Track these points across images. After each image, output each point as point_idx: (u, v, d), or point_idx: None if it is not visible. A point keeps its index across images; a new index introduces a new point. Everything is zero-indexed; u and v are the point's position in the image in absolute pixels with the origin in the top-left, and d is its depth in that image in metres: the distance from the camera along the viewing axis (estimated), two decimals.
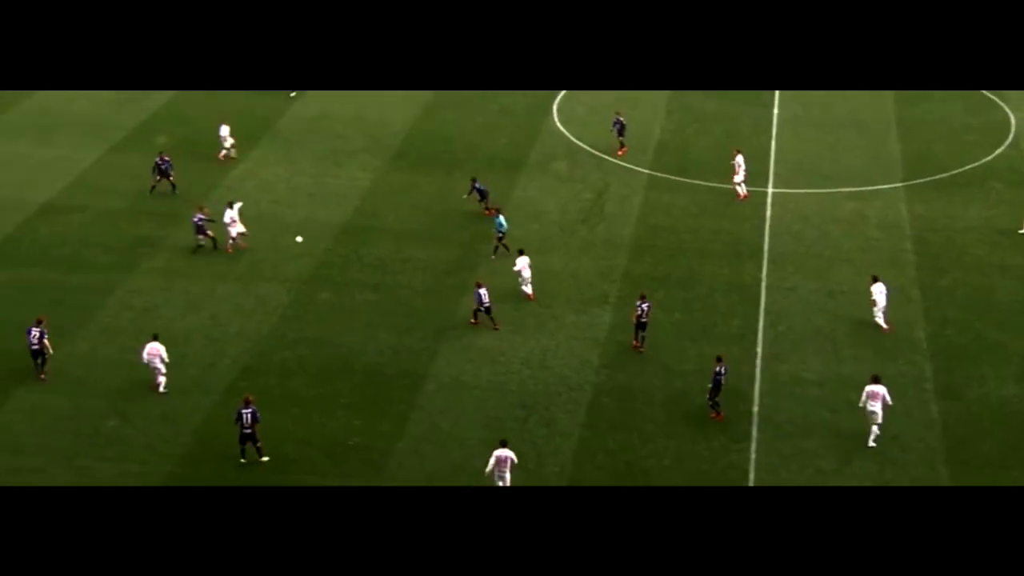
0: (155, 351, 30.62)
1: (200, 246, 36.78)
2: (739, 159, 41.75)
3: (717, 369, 29.99)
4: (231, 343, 33.01)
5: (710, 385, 30.12)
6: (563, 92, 50.91)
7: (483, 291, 33.28)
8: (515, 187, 42.58)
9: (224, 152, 43.71)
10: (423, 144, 46.08)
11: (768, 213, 41.08)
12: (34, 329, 30.85)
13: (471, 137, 46.73)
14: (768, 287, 36.41)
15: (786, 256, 38.22)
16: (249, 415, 27.82)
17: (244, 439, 27.94)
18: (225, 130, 43.72)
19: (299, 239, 36.62)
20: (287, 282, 36.07)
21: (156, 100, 48.69)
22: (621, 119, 44.93)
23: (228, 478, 27.72)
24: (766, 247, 38.79)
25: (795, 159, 45.29)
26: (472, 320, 33.95)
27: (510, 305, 35.12)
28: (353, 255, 37.90)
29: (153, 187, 40.80)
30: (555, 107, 49.36)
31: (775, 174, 43.92)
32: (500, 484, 27.00)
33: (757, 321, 34.53)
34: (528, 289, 35.27)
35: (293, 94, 49.23)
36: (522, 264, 35.18)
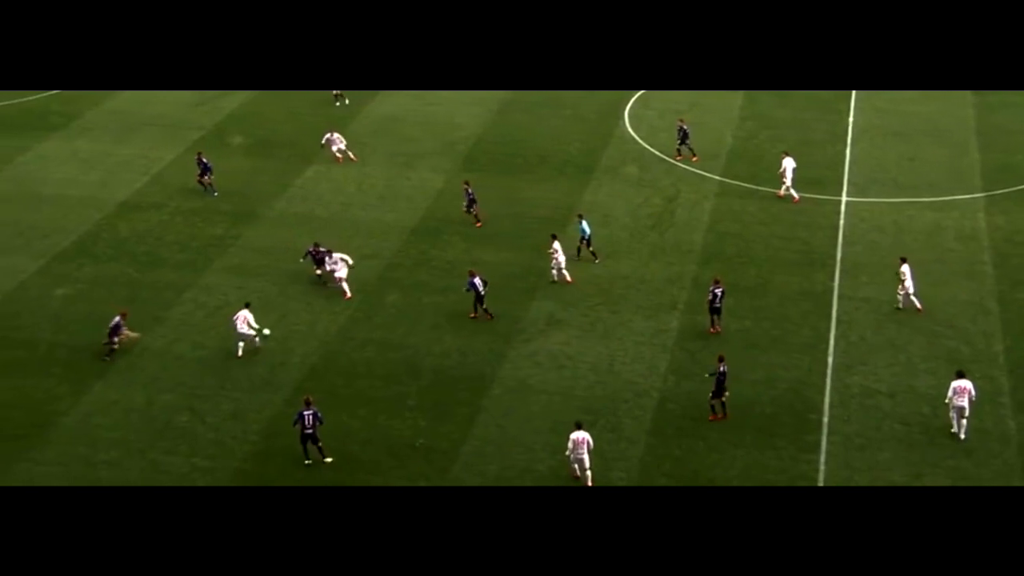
0: (243, 318, 31.99)
1: (319, 276, 35.80)
2: (786, 162, 41.52)
3: (720, 369, 29.87)
4: (300, 342, 33.37)
5: (712, 380, 29.97)
6: (634, 97, 50.70)
7: (477, 280, 33.73)
8: (585, 192, 42.48)
9: (341, 154, 43.88)
10: (494, 148, 46.20)
11: (842, 222, 40.45)
12: (118, 319, 31.91)
13: (542, 141, 46.74)
14: (840, 297, 35.84)
15: (859, 266, 37.59)
16: (311, 416, 28.00)
17: (306, 440, 28.15)
18: (337, 136, 43.93)
19: (267, 332, 32.75)
20: (356, 283, 36.36)
21: (232, 101, 49.47)
22: (684, 127, 44.60)
23: (294, 477, 28.01)
24: (839, 256, 38.20)
25: (870, 168, 44.56)
26: (472, 314, 34.15)
27: (578, 310, 35.03)
28: (422, 257, 38.10)
29: (206, 186, 41.31)
30: (626, 112, 49.17)
31: (850, 182, 43.25)
32: (577, 467, 27.54)
33: (828, 331, 34.00)
34: (566, 275, 35.90)
35: (338, 100, 48.91)
36: (557, 248, 35.68)
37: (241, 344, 32.33)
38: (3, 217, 39.63)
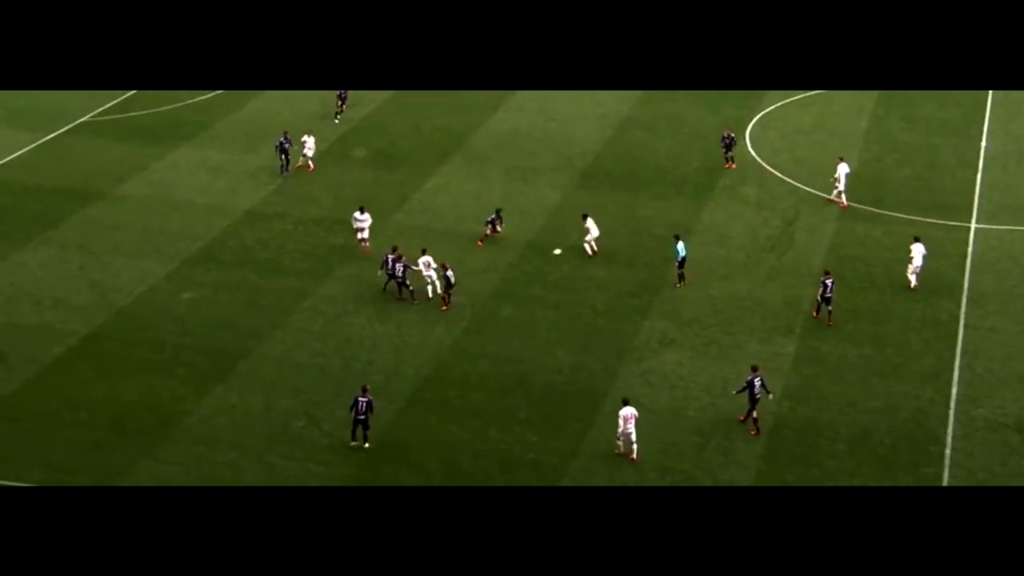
0: (426, 262, 35.69)
1: (398, 284, 36.12)
2: (840, 167, 41.38)
3: (750, 378, 29.66)
4: (415, 353, 33.85)
5: (743, 395, 29.88)
6: (757, 116, 50.12)
7: (450, 273, 35.24)
8: (703, 211, 42.13)
9: (305, 160, 44.90)
10: (612, 165, 46.18)
11: (970, 249, 39.25)
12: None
13: (660, 159, 46.54)
14: (966, 326, 34.76)
15: (988, 295, 36.41)
16: (365, 403, 29.36)
17: (357, 424, 29.54)
18: (310, 140, 45.01)
19: (557, 251, 38.53)
20: (471, 296, 36.74)
21: (356, 112, 50.51)
22: (731, 135, 44.77)
23: (405, 482, 28.41)
24: (966, 284, 37.07)
25: (1003, 194, 43.15)
26: (443, 307, 35.41)
27: (692, 331, 34.75)
28: (537, 272, 38.29)
29: (283, 168, 43.61)
30: (747, 132, 48.63)
31: (980, 209, 41.95)
32: (622, 442, 28.99)
33: (953, 361, 33.01)
34: (590, 247, 38.52)
35: (337, 121, 49.22)
36: (591, 224, 38.57)
37: (430, 289, 35.57)
38: (136, 222, 41.20)
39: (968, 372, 32.45)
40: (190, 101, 51.27)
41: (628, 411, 28.88)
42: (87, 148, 46.64)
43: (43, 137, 47.50)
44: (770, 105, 51.45)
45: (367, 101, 51.75)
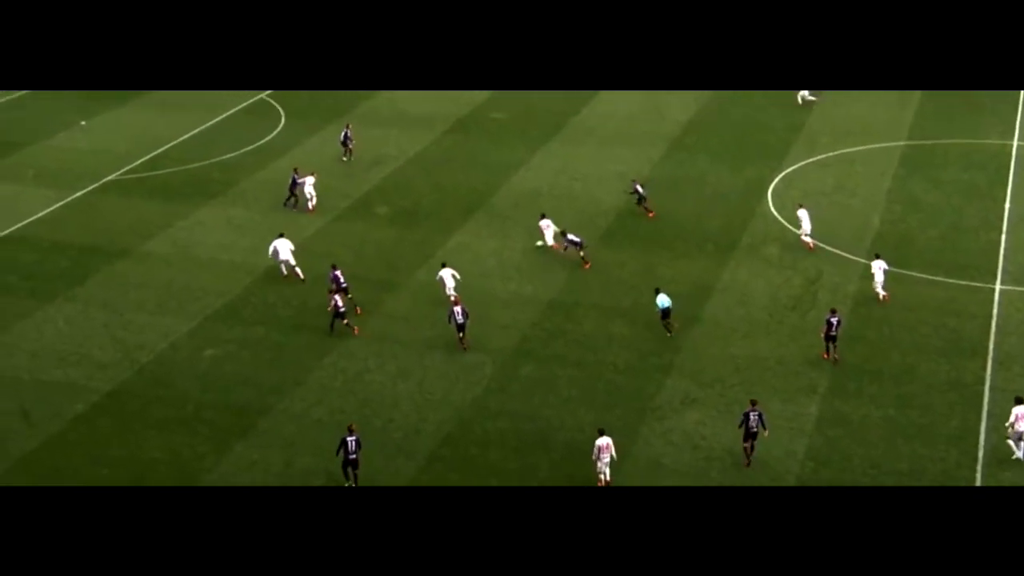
0: (450, 274, 39.17)
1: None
2: (800, 212, 43.49)
3: (747, 411, 30.74)
4: (435, 411, 33.96)
5: (741, 429, 30.89)
6: (779, 176, 50.41)
7: (458, 309, 36.57)
8: (724, 270, 42.27)
9: (311, 204, 46.76)
10: (633, 223, 46.47)
11: (995, 311, 39.15)
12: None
13: (681, 218, 46.81)
14: (992, 388, 34.59)
15: (1015, 357, 36.25)
16: (354, 442, 30.14)
17: (347, 465, 30.18)
18: (310, 182, 46.80)
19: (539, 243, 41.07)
20: (492, 353, 36.89)
21: (378, 172, 51.11)
22: (638, 186, 46.38)
23: None
24: (991, 346, 36.94)
25: None
26: (461, 347, 36.61)
27: (715, 390, 34.75)
28: (558, 330, 38.44)
29: (288, 200, 46.34)
30: (769, 191, 48.90)
31: (1004, 271, 41.90)
32: (600, 474, 29.98)
33: (979, 423, 32.81)
34: (549, 243, 42.72)
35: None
36: (545, 225, 42.89)
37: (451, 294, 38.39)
38: (160, 279, 41.71)
39: (995, 435, 32.22)
40: (216, 159, 52.04)
41: (603, 441, 30.09)
42: (114, 206, 47.37)
43: (71, 195, 48.26)
44: (791, 165, 51.77)
45: (390, 160, 52.42)
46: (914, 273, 41.81)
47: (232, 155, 52.63)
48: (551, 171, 51.37)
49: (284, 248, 41.35)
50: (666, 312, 37.38)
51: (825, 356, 35.99)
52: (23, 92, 60.20)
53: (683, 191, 49.20)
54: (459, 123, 57.53)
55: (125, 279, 41.63)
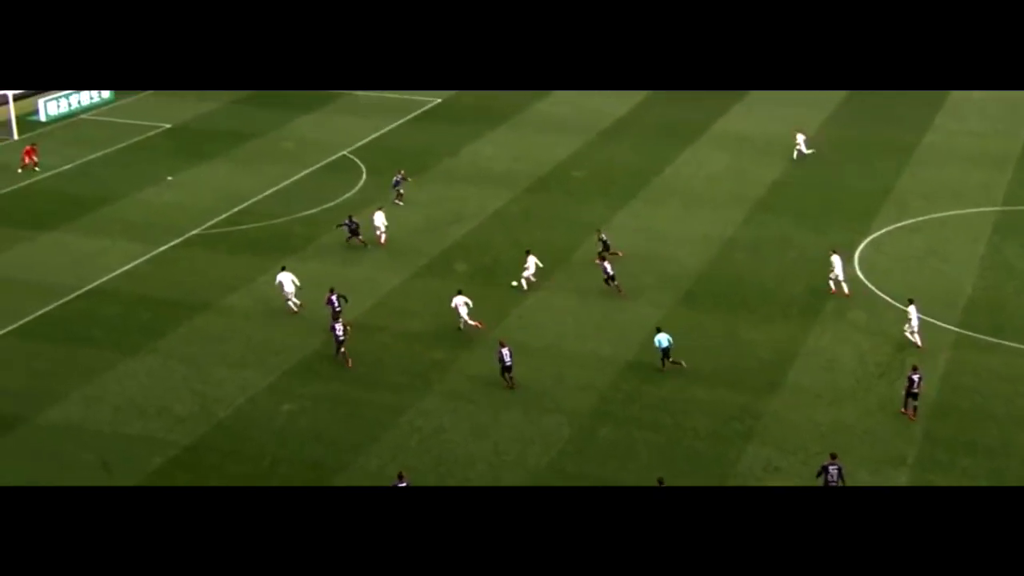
0: (462, 302, 41.01)
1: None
2: (834, 259, 44.32)
3: (826, 464, 30.82)
4: (510, 472, 33.95)
5: (819, 480, 31.14)
6: (866, 240, 49.85)
7: (505, 351, 37.54)
8: (809, 335, 41.78)
9: (383, 238, 49.77)
10: (715, 285, 46.26)
11: None
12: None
13: (765, 281, 46.47)
14: None
15: None
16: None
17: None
18: (380, 216, 49.72)
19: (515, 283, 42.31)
20: (569, 415, 36.84)
21: (459, 229, 51.69)
22: (603, 237, 47.46)
23: None
24: None
25: None
26: (507, 385, 37.83)
27: (798, 458, 34.23)
28: (636, 392, 38.27)
29: (349, 237, 48.64)
30: (856, 255, 48.34)
31: None
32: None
33: None
34: (527, 283, 45.08)
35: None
36: (531, 262, 45.11)
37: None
38: (240, 333, 42.55)
39: None
40: (298, 215, 53.12)
41: None
42: (197, 260, 48.56)
43: (155, 249, 49.61)
44: (880, 229, 51.18)
45: (469, 217, 53.00)
46: (1009, 343, 40.86)
47: (313, 211, 53.72)
48: (631, 230, 51.47)
49: (287, 281, 43.38)
50: (666, 352, 38.50)
51: (903, 411, 35.88)
52: (119, 146, 62.27)
53: (767, 253, 48.88)
54: (539, 181, 58.02)
55: (206, 332, 42.55)
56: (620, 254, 47.70)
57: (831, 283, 44.30)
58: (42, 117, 65.90)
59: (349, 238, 49.50)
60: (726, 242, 50.04)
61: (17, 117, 63.94)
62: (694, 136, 64.50)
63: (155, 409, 37.48)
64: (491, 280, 46.88)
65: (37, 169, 57.20)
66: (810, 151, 59.72)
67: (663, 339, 38.60)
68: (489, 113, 68.81)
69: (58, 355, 40.70)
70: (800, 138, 59.97)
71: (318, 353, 41.03)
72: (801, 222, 51.89)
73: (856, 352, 40.48)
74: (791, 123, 63.64)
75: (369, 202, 54.56)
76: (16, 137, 62.81)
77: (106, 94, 69.74)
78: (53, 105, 66.58)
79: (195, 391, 38.58)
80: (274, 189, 55.76)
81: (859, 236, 50.15)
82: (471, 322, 41.32)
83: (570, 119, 67.87)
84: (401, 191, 54.14)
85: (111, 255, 48.44)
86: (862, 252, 48.61)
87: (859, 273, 46.64)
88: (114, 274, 47.12)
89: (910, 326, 40.09)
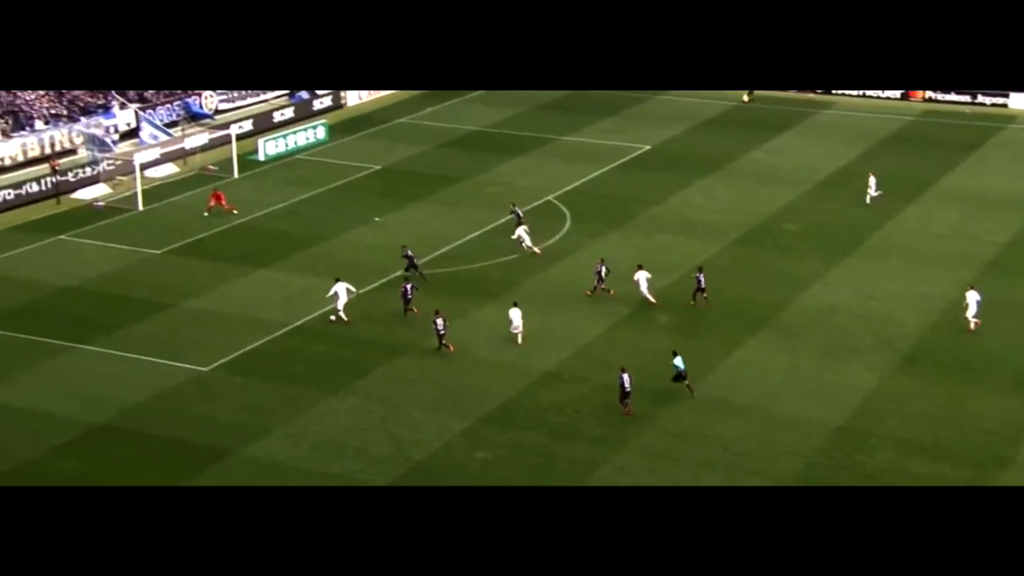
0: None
1: None
2: (970, 295, 44.63)
3: None
4: None
5: None
6: None
7: (626, 376, 38.84)
8: None
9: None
10: (938, 350, 44.27)
11: None
12: None
13: (993, 347, 44.18)
14: None
15: None
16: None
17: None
18: (523, 230, 53.78)
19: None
20: (773, 479, 35.85)
21: (665, 278, 51.39)
22: (602, 266, 48.97)
23: None
24: None
25: None
26: (623, 411, 39.15)
27: None
28: (847, 461, 36.91)
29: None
30: None
31: None
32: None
33: None
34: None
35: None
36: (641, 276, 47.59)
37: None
38: (438, 377, 43.46)
39: None
40: (498, 260, 53.99)
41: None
42: (398, 302, 49.86)
43: (360, 289, 51.33)
44: None
45: (673, 267, 52.65)
46: None
47: (513, 256, 54.53)
48: (848, 288, 49.95)
49: (343, 291, 46.70)
50: (680, 375, 40.13)
51: None
52: (330, 186, 65.08)
53: (998, 318, 46.42)
54: (749, 233, 57.15)
55: (404, 375, 43.68)
56: (612, 292, 49.05)
57: (972, 317, 42.08)
58: (261, 156, 69.61)
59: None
60: (950, 304, 47.85)
61: (238, 156, 67.75)
62: (919, 190, 62.24)
63: (353, 449, 38.64)
64: (694, 333, 46.31)
65: (235, 212, 59.96)
66: (878, 192, 59.92)
67: (679, 361, 40.47)
68: (698, 161, 68.42)
69: (264, 390, 42.60)
70: None
71: (514, 401, 41.45)
72: None
73: None
74: None
75: (570, 250, 55.01)
76: (236, 175, 66.58)
77: (321, 134, 73.17)
78: (272, 145, 70.35)
79: (392, 433, 39.59)
80: (474, 234, 56.96)
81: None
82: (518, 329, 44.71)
83: (784, 169, 66.71)
84: (525, 242, 54.22)
85: (318, 292, 50.44)
86: None
87: None
88: (320, 312, 48.94)
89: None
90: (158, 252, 55.75)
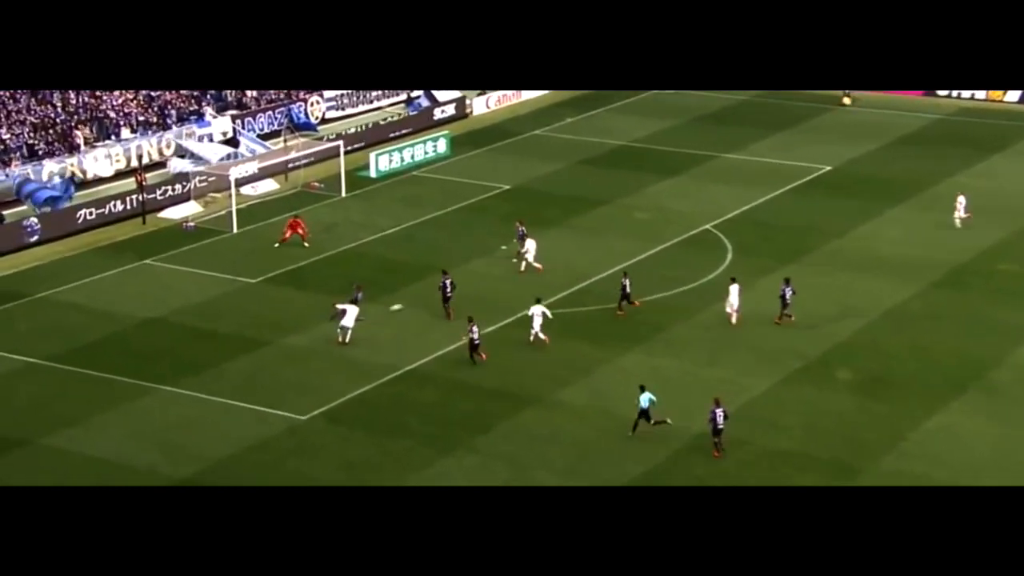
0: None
1: None
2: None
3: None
4: None
5: None
6: None
7: (720, 411, 40.47)
8: None
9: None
10: None
11: None
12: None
13: None
14: None
15: None
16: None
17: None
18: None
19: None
20: None
21: (843, 328, 50.10)
22: (624, 280, 51.33)
23: None
24: None
25: None
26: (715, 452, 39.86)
27: None
28: None
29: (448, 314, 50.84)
30: None
31: None
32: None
33: None
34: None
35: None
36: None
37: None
38: (571, 434, 42.95)
39: None
40: (649, 298, 53.30)
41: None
42: (528, 345, 49.54)
43: (484, 329, 51.27)
44: None
45: (857, 313, 51.35)
46: None
47: (666, 294, 53.85)
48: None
49: (352, 315, 49.04)
50: (644, 413, 41.40)
51: None
52: (450, 208, 65.45)
53: None
54: (953, 272, 55.55)
55: (531, 431, 43.28)
56: (638, 304, 51.06)
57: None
58: (372, 173, 70.37)
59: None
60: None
61: (346, 172, 68.52)
62: None
63: None
64: (882, 394, 44.94)
65: (307, 245, 60.16)
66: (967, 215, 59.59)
67: (644, 399, 41.42)
68: (890, 186, 66.98)
69: (368, 444, 42.70)
70: None
71: (660, 467, 40.72)
72: None
73: None
74: None
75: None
76: (344, 194, 67.47)
77: (442, 148, 73.77)
78: (385, 159, 71.12)
79: None
80: (619, 266, 56.36)
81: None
82: (542, 336, 47.59)
83: (998, 197, 64.73)
84: (525, 258, 56.27)
85: (435, 332, 50.49)
86: None
87: None
88: (435, 355, 48.76)
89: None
90: (253, 281, 56.81)
